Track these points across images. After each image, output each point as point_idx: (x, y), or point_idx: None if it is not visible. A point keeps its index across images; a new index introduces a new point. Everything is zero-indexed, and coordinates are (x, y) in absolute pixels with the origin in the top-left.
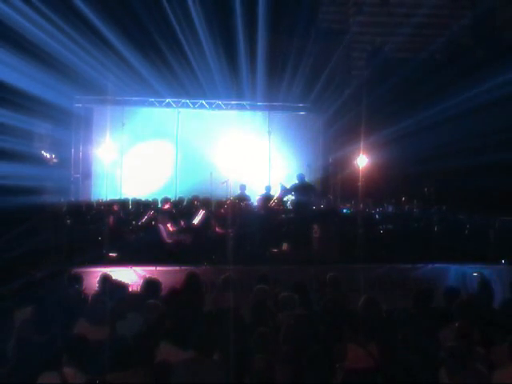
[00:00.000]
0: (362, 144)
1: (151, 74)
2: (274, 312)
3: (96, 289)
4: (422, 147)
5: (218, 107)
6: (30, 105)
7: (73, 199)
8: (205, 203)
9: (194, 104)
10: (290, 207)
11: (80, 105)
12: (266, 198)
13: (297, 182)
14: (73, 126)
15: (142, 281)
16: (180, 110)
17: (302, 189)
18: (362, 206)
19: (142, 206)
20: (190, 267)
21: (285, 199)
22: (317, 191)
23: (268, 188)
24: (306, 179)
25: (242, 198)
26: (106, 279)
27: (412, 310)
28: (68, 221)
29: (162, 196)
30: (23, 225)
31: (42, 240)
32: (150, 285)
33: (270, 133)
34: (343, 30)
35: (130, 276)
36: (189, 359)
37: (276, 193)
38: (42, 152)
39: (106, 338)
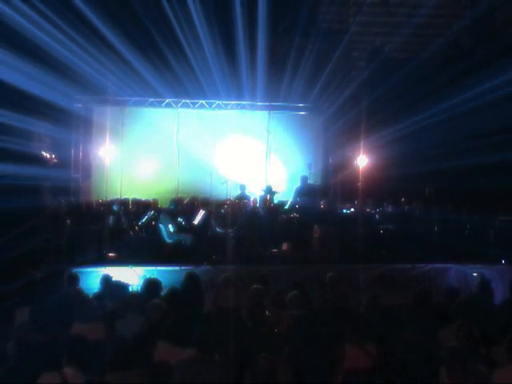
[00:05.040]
0: (362, 144)
1: (151, 74)
2: (274, 311)
3: (96, 289)
4: (422, 147)
5: (218, 107)
6: (30, 105)
7: (73, 199)
8: (205, 203)
9: (194, 104)
10: (288, 208)
11: (80, 105)
12: (265, 198)
13: (300, 184)
14: (73, 126)
15: (142, 281)
16: (180, 110)
17: (306, 192)
18: (361, 206)
19: (141, 206)
20: (190, 267)
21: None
22: (320, 191)
23: (268, 188)
24: (309, 180)
25: (242, 199)
26: (106, 279)
27: (412, 310)
28: (68, 221)
29: (162, 196)
30: (23, 225)
31: (42, 240)
32: (150, 285)
33: (269, 133)
34: (343, 30)
35: (130, 276)
36: (189, 359)
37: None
38: (42, 152)
39: (106, 338)
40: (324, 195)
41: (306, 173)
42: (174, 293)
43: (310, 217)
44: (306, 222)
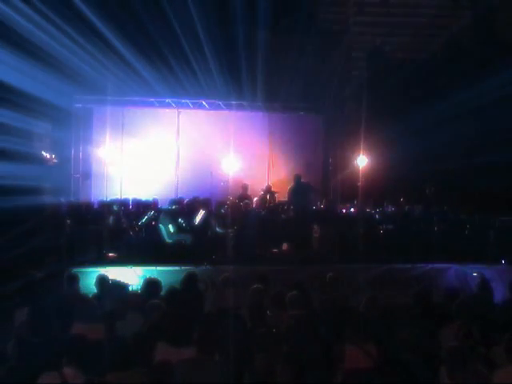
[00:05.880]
0: (362, 144)
1: (151, 74)
2: (274, 311)
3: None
4: (423, 147)
5: (218, 107)
6: (29, 105)
7: (73, 199)
8: (205, 203)
9: (193, 104)
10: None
11: (80, 105)
12: (265, 198)
13: (293, 183)
14: (73, 126)
15: (142, 281)
16: (180, 110)
17: (300, 191)
18: (361, 206)
19: (141, 206)
20: (189, 267)
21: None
22: (315, 190)
23: (267, 188)
24: (305, 179)
25: (243, 199)
26: (102, 280)
27: (412, 310)
28: (68, 221)
29: (162, 196)
30: (23, 225)
31: (42, 240)
32: (150, 285)
33: (270, 133)
34: (343, 30)
35: (130, 276)
36: (189, 359)
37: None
38: (42, 152)
39: (106, 338)
40: (315, 192)
41: (306, 173)
42: (172, 293)
43: (306, 215)
44: (305, 222)
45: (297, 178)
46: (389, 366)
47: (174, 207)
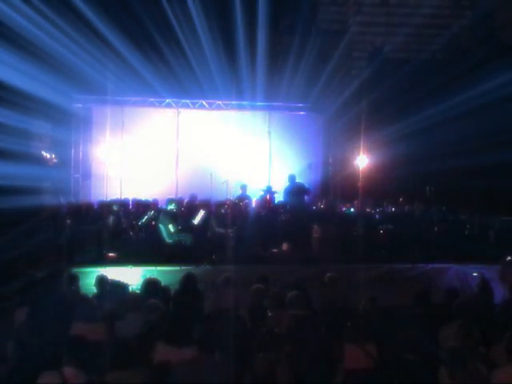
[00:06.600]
0: (362, 144)
1: (151, 74)
2: (274, 311)
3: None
4: (423, 147)
5: (218, 107)
6: (29, 104)
7: (73, 199)
8: (205, 203)
9: (193, 104)
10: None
11: (79, 104)
12: (265, 198)
13: (289, 183)
14: (72, 125)
15: (142, 281)
16: (180, 110)
17: (295, 191)
18: (361, 206)
19: (141, 206)
20: (189, 267)
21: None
22: (309, 191)
23: (268, 188)
24: (302, 179)
25: (243, 199)
26: (102, 280)
27: (412, 310)
28: (68, 221)
29: (162, 196)
30: (23, 225)
31: (42, 240)
32: (150, 285)
33: (270, 133)
34: (343, 30)
35: (130, 276)
36: (189, 359)
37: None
38: (42, 152)
39: (106, 338)
40: (323, 195)
41: (306, 173)
42: (166, 291)
43: (301, 215)
44: (301, 222)
45: (292, 178)
46: (389, 365)
47: (171, 207)
